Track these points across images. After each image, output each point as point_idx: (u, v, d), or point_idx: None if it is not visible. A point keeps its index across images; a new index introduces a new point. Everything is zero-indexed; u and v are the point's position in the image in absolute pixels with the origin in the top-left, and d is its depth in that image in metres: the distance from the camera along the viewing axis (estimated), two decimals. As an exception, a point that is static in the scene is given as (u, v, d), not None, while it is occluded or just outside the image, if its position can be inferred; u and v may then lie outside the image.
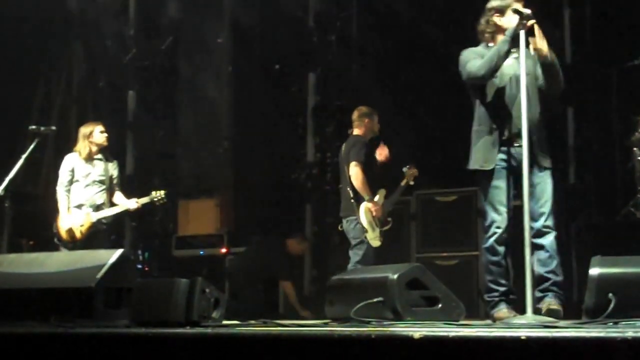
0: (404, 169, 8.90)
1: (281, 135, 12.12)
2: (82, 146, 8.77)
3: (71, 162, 8.74)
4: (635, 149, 8.78)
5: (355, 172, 8.34)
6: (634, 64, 8.99)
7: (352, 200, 8.40)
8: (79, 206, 8.66)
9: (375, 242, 8.38)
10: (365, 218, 8.31)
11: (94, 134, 8.79)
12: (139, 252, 12.05)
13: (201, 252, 11.34)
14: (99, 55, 12.57)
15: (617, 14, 10.28)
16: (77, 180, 8.70)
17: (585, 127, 10.43)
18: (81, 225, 8.60)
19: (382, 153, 8.65)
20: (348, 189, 8.46)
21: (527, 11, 5.94)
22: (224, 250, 11.20)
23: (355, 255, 8.35)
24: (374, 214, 8.33)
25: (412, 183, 8.97)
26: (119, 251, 6.36)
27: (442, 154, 10.62)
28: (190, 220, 11.78)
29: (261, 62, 11.93)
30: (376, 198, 8.49)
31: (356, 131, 8.74)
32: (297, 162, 11.83)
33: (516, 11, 5.98)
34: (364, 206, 8.35)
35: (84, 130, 8.86)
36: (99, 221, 8.68)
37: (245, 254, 10.75)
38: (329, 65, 11.72)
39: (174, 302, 5.45)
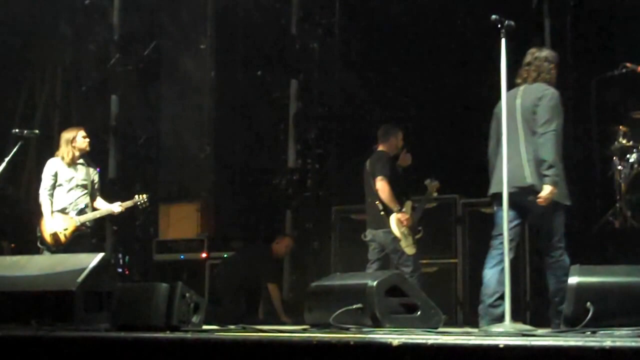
0: (427, 182, 9.00)
1: (263, 141, 12.13)
2: (65, 151, 8.75)
3: (54, 167, 8.73)
4: (614, 158, 8.84)
5: (381, 186, 8.54)
6: (613, 74, 9.03)
7: (382, 213, 8.58)
8: (63, 210, 8.64)
9: (410, 250, 8.54)
10: (396, 228, 8.50)
11: (77, 139, 8.79)
12: (120, 256, 12.02)
13: (182, 257, 11.32)
14: (83, 60, 12.54)
15: (597, 24, 10.34)
16: (60, 185, 8.69)
17: (564, 137, 10.45)
18: (65, 229, 8.58)
19: (405, 159, 8.88)
20: (377, 202, 8.63)
21: None
22: (204, 255, 11.18)
23: (404, 267, 8.47)
24: (405, 223, 8.50)
25: (435, 195, 9.07)
26: (100, 255, 6.36)
27: (425, 159, 10.64)
28: (171, 225, 11.76)
29: (243, 68, 11.94)
30: (404, 209, 8.63)
31: (381, 147, 8.92)
32: (278, 168, 11.84)
33: None
34: (394, 217, 8.51)
35: (66, 135, 8.83)
36: (82, 225, 8.67)
37: (231, 260, 10.74)
38: (311, 72, 11.74)
39: (154, 306, 5.45)
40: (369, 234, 8.74)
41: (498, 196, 6.40)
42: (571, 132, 10.37)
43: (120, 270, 11.75)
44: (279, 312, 10.13)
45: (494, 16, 6.08)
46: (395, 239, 8.49)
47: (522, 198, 6.61)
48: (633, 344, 3.49)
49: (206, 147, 12.39)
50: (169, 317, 5.44)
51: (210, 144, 12.44)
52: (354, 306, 5.64)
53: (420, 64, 10.92)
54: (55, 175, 8.68)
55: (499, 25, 6.05)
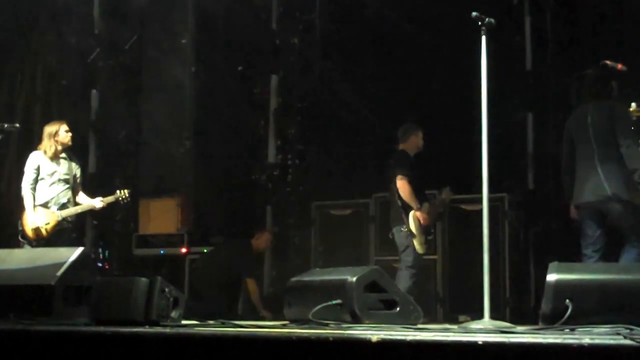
0: (443, 190, 9.06)
1: (243, 136, 12.11)
2: (48, 145, 8.72)
3: (36, 160, 8.69)
4: (593, 157, 8.86)
5: (401, 185, 8.67)
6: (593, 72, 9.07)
7: (401, 210, 8.71)
8: (45, 204, 8.60)
9: (421, 249, 8.68)
10: (413, 224, 8.62)
11: (59, 133, 8.75)
12: (100, 250, 11.97)
13: (161, 252, 11.30)
14: (63, 54, 12.46)
15: (577, 22, 10.37)
16: (42, 179, 8.65)
17: (544, 134, 10.51)
18: (47, 224, 8.53)
19: (447, 194, 9.12)
20: (397, 200, 8.76)
21: None
22: (184, 249, 11.16)
23: (404, 261, 8.68)
24: (422, 222, 8.63)
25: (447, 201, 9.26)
26: (79, 249, 6.32)
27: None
28: (151, 220, 11.73)
29: (224, 63, 11.90)
30: (423, 209, 8.76)
31: (401, 146, 9.03)
32: (258, 163, 11.82)
33: None
34: (413, 214, 8.65)
35: (49, 129, 8.80)
36: (64, 219, 8.64)
37: (211, 255, 10.73)
38: (292, 67, 11.72)
39: (134, 301, 5.43)
40: (392, 233, 8.91)
41: (583, 206, 7.12)
42: (551, 129, 10.44)
43: (100, 264, 11.71)
44: (258, 307, 10.13)
45: (474, 13, 6.09)
46: (411, 235, 8.60)
47: (603, 205, 7.08)
48: (611, 342, 3.50)
49: (186, 142, 12.36)
50: (148, 311, 5.42)
51: (190, 139, 12.41)
52: (334, 302, 5.63)
53: (401, 60, 10.93)
54: (38, 169, 8.65)
55: (480, 23, 6.07)
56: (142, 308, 5.42)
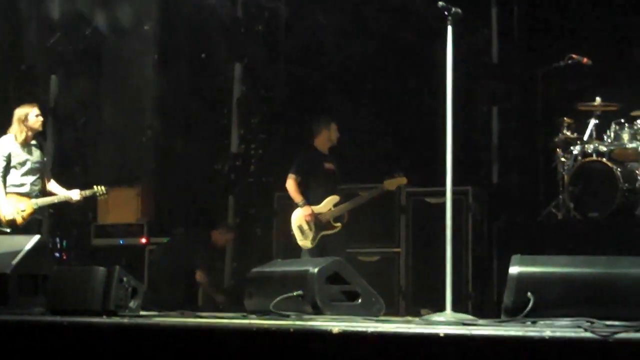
0: (394, 176, 8.97)
1: (205, 125, 12.01)
2: (18, 130, 8.41)
3: (7, 147, 8.41)
4: (558, 149, 8.90)
5: (287, 183, 8.94)
6: (559, 65, 9.10)
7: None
8: (17, 193, 8.38)
9: (305, 244, 8.80)
10: (293, 222, 8.83)
11: (29, 118, 8.44)
12: (57, 240, 11.84)
13: (121, 242, 11.19)
14: (22, 38, 12.28)
15: (544, 15, 10.40)
16: (13, 167, 8.38)
17: (509, 127, 10.54)
18: (23, 211, 8.32)
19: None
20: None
21: None
22: (144, 240, 11.06)
23: None
24: (306, 218, 8.74)
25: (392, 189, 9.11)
26: (35, 237, 6.26)
27: (368, 148, 10.65)
28: (110, 209, 11.57)
29: (187, 50, 11.79)
30: (322, 204, 8.80)
31: (315, 140, 9.09)
32: (220, 152, 11.73)
33: None
34: (295, 212, 8.85)
35: (18, 113, 8.46)
36: (38, 208, 8.45)
37: (169, 246, 10.66)
38: (256, 55, 11.64)
39: (91, 290, 5.38)
40: None
41: None
42: (516, 122, 10.47)
43: (57, 254, 11.57)
44: (212, 295, 10.13)
45: (440, 3, 6.06)
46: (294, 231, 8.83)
47: None
48: (572, 335, 3.52)
49: (147, 130, 12.23)
50: (105, 301, 5.38)
51: (151, 128, 12.29)
52: (295, 293, 5.59)
53: (366, 51, 10.89)
54: (8, 156, 8.36)
55: (446, 13, 6.04)
56: (100, 298, 5.38)
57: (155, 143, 12.32)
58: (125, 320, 4.84)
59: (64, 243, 11.87)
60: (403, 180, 8.95)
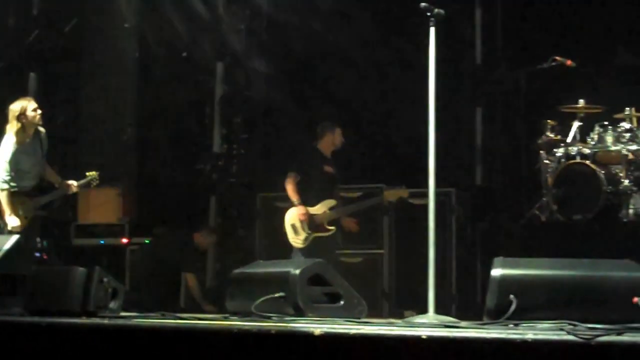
0: (394, 189, 8.98)
1: (187, 124, 11.98)
2: (17, 128, 8.11)
3: (9, 149, 8.04)
4: (541, 152, 8.91)
5: (286, 182, 8.91)
6: (543, 67, 9.12)
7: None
8: (22, 192, 8.20)
9: (297, 244, 8.81)
10: (287, 220, 8.84)
11: (28, 113, 8.14)
12: (38, 240, 11.76)
13: (101, 242, 11.14)
14: (0, 35, 12.19)
15: (527, 17, 10.42)
16: (19, 169, 8.16)
17: (493, 129, 10.55)
18: (26, 218, 8.18)
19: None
20: None
21: None
22: (125, 240, 11.01)
23: None
24: (300, 217, 8.75)
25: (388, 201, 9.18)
26: (14, 237, 6.21)
27: (351, 149, 10.62)
28: (91, 209, 11.53)
29: (169, 48, 11.73)
30: (318, 205, 8.81)
31: (318, 143, 9.11)
32: (202, 152, 11.70)
33: None
34: (290, 210, 8.86)
35: (14, 108, 8.16)
36: (39, 207, 8.35)
37: (151, 247, 10.63)
38: (238, 54, 11.60)
39: (71, 291, 5.35)
40: None
41: None
42: (499, 124, 10.48)
43: (37, 254, 11.49)
44: (199, 302, 10.05)
45: (423, 4, 6.04)
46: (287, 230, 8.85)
47: None
48: (555, 337, 3.53)
49: (129, 129, 12.17)
50: (85, 302, 5.35)
51: (132, 126, 12.24)
52: (276, 294, 5.57)
53: (349, 51, 10.88)
54: (12, 159, 8.12)
55: (428, 14, 6.01)
56: (79, 298, 5.35)
57: (137, 142, 12.28)
58: (106, 321, 4.82)
59: (44, 243, 11.80)
60: (404, 193, 8.96)
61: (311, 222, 8.76)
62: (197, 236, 10.47)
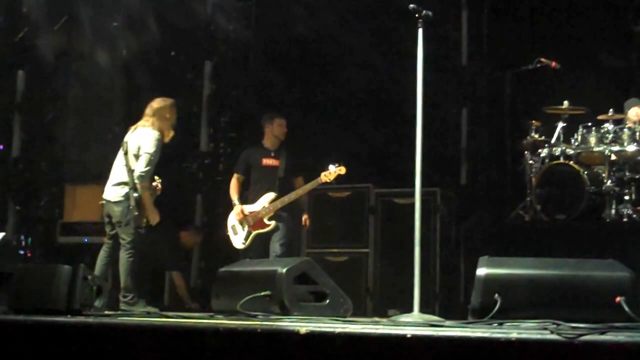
0: (330, 168, 8.78)
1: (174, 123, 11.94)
2: (162, 125, 8.29)
3: (158, 145, 8.21)
4: (526, 152, 8.95)
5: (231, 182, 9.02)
6: (528, 68, 9.16)
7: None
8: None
9: (237, 244, 8.80)
10: (229, 220, 8.88)
11: (171, 111, 8.36)
12: (22, 237, 11.73)
13: (86, 240, 11.11)
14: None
15: (514, 18, 10.45)
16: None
17: (478, 129, 10.57)
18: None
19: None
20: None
21: None
22: (109, 239, 10.98)
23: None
24: (237, 217, 8.77)
25: (328, 180, 8.91)
26: (-1, 235, 6.18)
27: (338, 148, 10.63)
28: (76, 207, 11.50)
29: (157, 47, 11.71)
30: (256, 202, 8.73)
31: (264, 136, 9.05)
32: (189, 151, 11.68)
33: None
34: (231, 213, 8.90)
35: (161, 106, 8.36)
36: None
37: (136, 244, 10.59)
38: (226, 54, 11.59)
39: (55, 289, 5.32)
40: None
41: None
42: (485, 124, 10.50)
43: (22, 252, 11.47)
44: (186, 300, 10.04)
45: (411, 5, 6.05)
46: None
47: None
48: (538, 336, 3.54)
49: (115, 127, 12.13)
50: (70, 300, 5.32)
51: (119, 125, 12.20)
52: (262, 293, 5.57)
53: (335, 50, 10.89)
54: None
55: (416, 15, 6.03)
56: (64, 296, 5.32)
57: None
58: (90, 319, 4.80)
59: (29, 240, 11.77)
60: (341, 171, 8.68)
61: (248, 221, 8.69)
62: (184, 235, 10.46)
